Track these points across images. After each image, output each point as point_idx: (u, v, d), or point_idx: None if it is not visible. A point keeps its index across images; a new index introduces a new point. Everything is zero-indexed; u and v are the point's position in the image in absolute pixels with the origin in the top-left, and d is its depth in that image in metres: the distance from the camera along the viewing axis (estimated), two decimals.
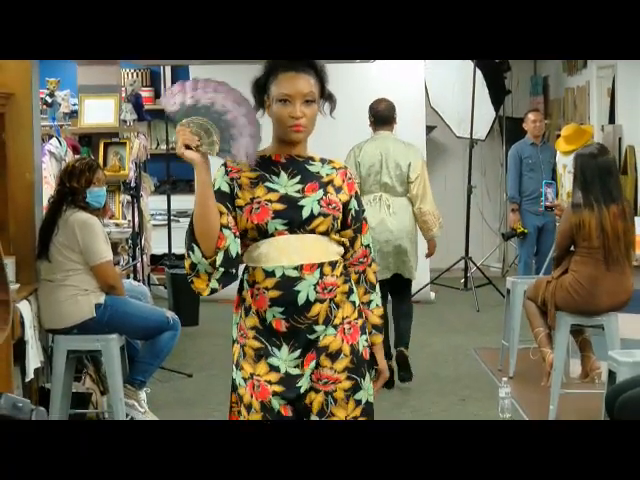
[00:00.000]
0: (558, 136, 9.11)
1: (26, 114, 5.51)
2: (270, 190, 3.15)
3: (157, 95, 11.50)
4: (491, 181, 11.93)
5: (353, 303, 3.21)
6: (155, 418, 5.77)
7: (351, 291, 3.21)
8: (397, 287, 6.80)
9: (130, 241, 7.91)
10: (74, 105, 7.96)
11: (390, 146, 6.78)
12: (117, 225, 7.54)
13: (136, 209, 8.14)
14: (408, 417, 6.05)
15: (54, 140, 6.99)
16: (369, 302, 3.30)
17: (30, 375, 5.20)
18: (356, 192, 3.29)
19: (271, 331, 3.12)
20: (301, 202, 3.14)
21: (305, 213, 3.13)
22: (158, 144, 11.47)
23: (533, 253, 9.34)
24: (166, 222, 9.85)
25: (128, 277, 7.49)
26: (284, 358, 3.09)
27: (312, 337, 3.11)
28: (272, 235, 3.12)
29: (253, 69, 10.21)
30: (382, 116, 6.84)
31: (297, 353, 3.09)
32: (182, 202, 10.80)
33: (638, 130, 8.56)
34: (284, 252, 3.12)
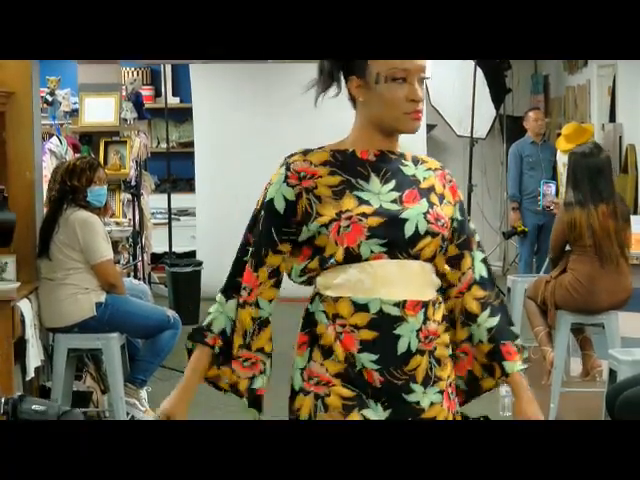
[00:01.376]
0: (559, 134, 9.11)
1: (26, 113, 5.51)
2: (361, 201, 2.41)
3: (157, 93, 11.51)
4: (492, 180, 11.93)
5: (451, 358, 2.53)
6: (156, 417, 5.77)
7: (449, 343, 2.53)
8: None
9: (130, 240, 7.91)
10: (74, 104, 7.96)
11: None
12: (117, 224, 7.55)
13: (136, 208, 8.15)
14: None
15: (54, 139, 6.99)
16: (470, 337, 2.56)
17: (31, 374, 5.20)
18: (460, 198, 2.58)
19: (363, 381, 2.40)
20: (403, 215, 2.42)
21: (408, 231, 2.41)
22: (158, 142, 11.47)
23: (534, 252, 9.34)
24: (166, 221, 9.84)
25: (128, 276, 7.49)
26: (378, 414, 2.40)
27: (409, 399, 2.39)
28: (366, 259, 2.40)
29: (253, 68, 10.18)
30: None
31: (387, 413, 2.40)
32: (182, 201, 10.82)
33: (638, 129, 8.56)
34: (383, 281, 2.40)
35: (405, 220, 2.41)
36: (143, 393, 5.78)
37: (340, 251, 2.39)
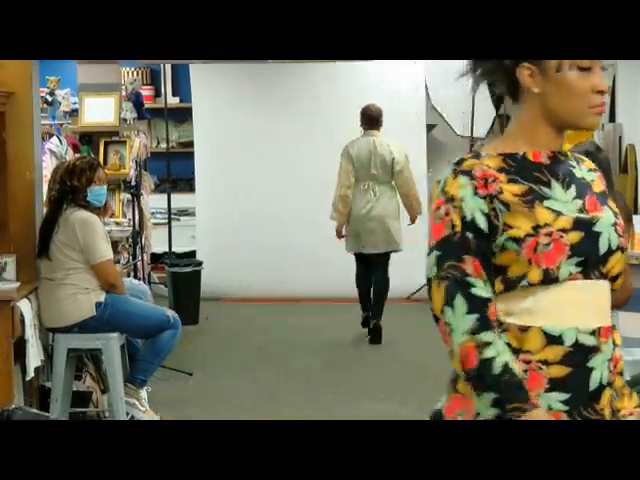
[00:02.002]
0: None
1: (26, 113, 5.51)
2: (556, 213, 2.07)
3: (157, 93, 11.51)
4: None
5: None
6: (156, 417, 5.78)
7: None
8: (378, 262, 8.17)
9: (130, 240, 7.92)
10: (74, 104, 7.97)
11: (377, 143, 8.09)
12: (117, 224, 7.55)
13: (136, 208, 8.15)
14: (410, 415, 6.06)
15: (54, 139, 7.00)
16: None
17: (30, 374, 5.20)
18: None
19: None
20: (596, 228, 2.10)
21: (603, 246, 2.09)
22: (158, 142, 11.48)
23: None
24: (166, 221, 9.85)
25: (128, 275, 7.49)
26: None
27: None
28: (563, 281, 2.06)
29: (253, 68, 10.19)
30: (370, 118, 8.14)
31: None
32: (182, 200, 10.83)
33: (638, 129, 8.56)
34: (579, 307, 2.08)
35: (599, 234, 2.08)
36: (143, 393, 5.78)
37: (536, 272, 2.05)
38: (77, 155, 6.99)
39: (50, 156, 6.77)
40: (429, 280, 2.09)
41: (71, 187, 5.54)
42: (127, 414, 5.59)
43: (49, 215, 5.56)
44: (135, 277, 7.91)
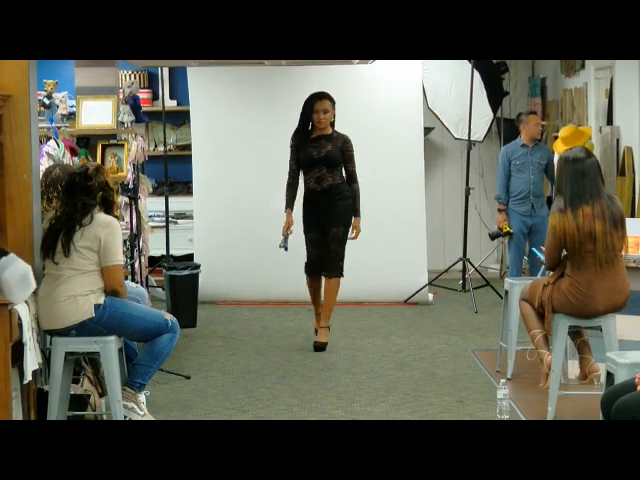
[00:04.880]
0: (556, 137, 9.11)
1: (24, 116, 5.50)
2: None
3: (155, 97, 11.51)
4: (489, 183, 11.92)
5: None
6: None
7: None
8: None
9: (128, 243, 7.91)
10: (72, 107, 7.96)
11: None
12: None
13: (134, 211, 8.14)
14: (406, 418, 6.05)
15: (52, 142, 6.99)
16: None
17: (28, 377, 5.19)
18: None
19: None
20: None
21: None
22: (156, 145, 11.48)
23: (521, 254, 9.37)
24: (164, 224, 9.84)
25: (126, 278, 7.48)
26: None
27: None
28: None
29: (251, 71, 10.14)
30: None
31: None
32: (180, 203, 10.83)
33: (636, 131, 8.55)
34: None
35: None
36: (142, 397, 5.76)
37: None
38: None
39: (47, 159, 6.76)
40: None
41: (111, 189, 5.63)
42: (125, 418, 5.57)
43: (75, 214, 5.50)
44: (133, 280, 7.90)
